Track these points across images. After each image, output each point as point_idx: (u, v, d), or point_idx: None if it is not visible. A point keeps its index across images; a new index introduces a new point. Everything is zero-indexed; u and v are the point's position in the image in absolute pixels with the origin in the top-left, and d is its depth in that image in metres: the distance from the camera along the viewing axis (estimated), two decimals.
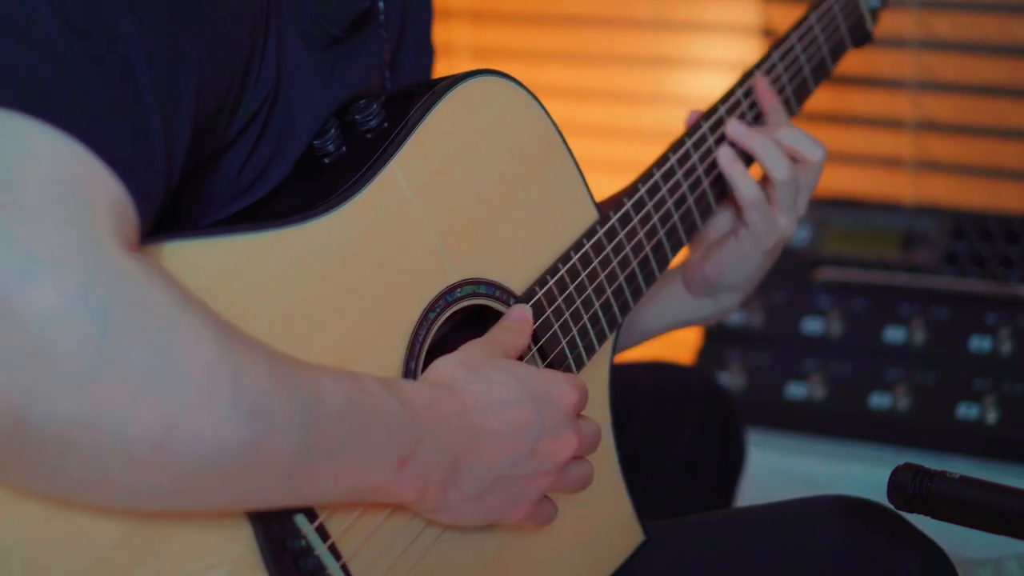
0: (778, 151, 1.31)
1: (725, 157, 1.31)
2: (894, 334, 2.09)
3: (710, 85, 2.47)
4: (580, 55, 2.49)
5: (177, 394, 0.81)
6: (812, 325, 2.14)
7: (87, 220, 0.80)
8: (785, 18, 2.31)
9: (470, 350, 1.06)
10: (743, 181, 1.31)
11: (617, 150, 2.39)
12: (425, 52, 1.30)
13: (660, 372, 1.71)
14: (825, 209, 2.24)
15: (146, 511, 0.87)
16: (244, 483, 0.87)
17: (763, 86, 1.35)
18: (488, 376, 1.04)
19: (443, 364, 1.04)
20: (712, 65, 2.42)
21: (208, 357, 0.82)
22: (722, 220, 1.38)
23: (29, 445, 0.78)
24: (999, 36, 2.19)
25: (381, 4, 1.13)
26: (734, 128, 1.32)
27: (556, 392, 1.07)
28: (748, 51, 2.37)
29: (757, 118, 1.37)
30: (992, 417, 1.97)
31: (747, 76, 1.37)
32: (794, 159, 1.33)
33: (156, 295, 0.81)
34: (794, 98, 1.41)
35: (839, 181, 2.34)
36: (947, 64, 2.23)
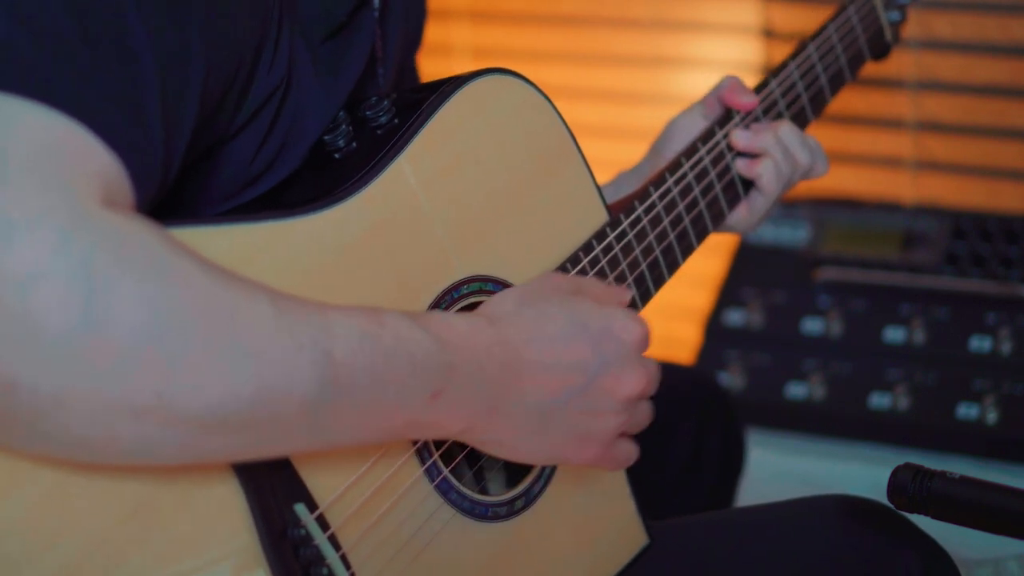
0: (781, 150, 1.34)
1: (743, 164, 1.34)
2: (894, 334, 2.09)
3: (710, 85, 2.47)
4: (580, 55, 2.49)
5: (171, 340, 0.79)
6: (812, 325, 2.14)
7: (68, 183, 0.79)
8: (785, 18, 2.31)
9: (526, 286, 1.07)
10: (768, 181, 1.34)
11: (617, 150, 2.38)
12: (407, 41, 1.30)
13: (660, 372, 1.71)
14: (825, 209, 2.24)
15: (161, 465, 0.86)
16: (261, 428, 0.85)
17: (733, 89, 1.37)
18: (541, 309, 1.04)
19: (498, 297, 1.05)
20: (712, 65, 2.42)
21: (200, 298, 0.81)
22: None
23: (26, 409, 0.77)
24: (999, 36, 2.19)
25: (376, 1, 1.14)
26: (740, 136, 1.34)
27: (617, 327, 1.06)
28: (748, 51, 2.37)
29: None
30: (992, 417, 1.97)
31: (763, 84, 1.37)
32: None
33: (139, 243, 0.80)
34: (810, 107, 1.42)
35: (839, 181, 2.34)
36: (947, 64, 2.23)
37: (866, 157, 2.34)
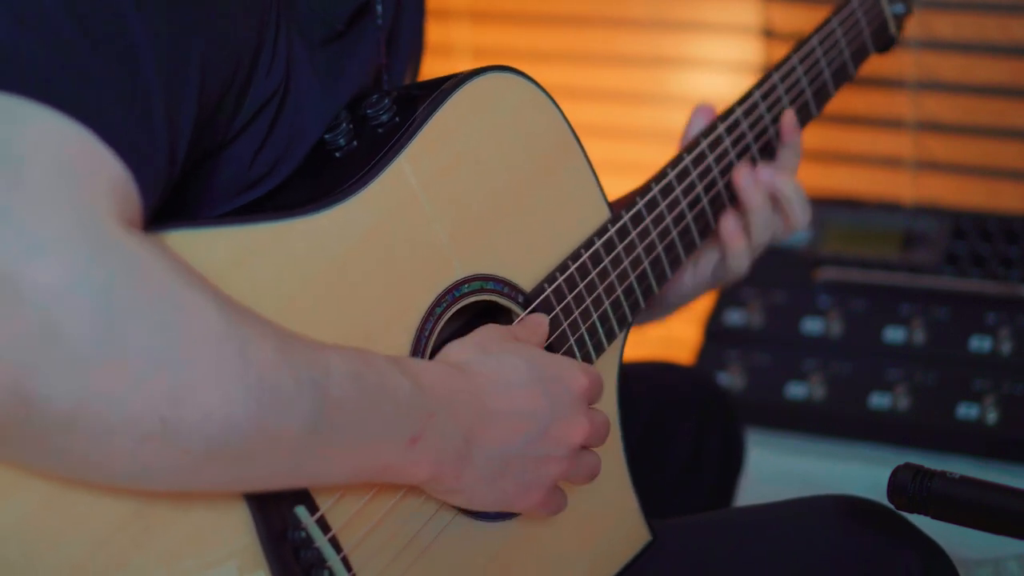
0: (769, 215, 1.35)
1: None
2: (894, 334, 2.09)
3: (710, 85, 2.47)
4: (580, 55, 2.49)
5: (182, 369, 0.81)
6: (812, 325, 2.14)
7: (90, 201, 0.80)
8: (785, 18, 2.31)
9: (483, 333, 1.08)
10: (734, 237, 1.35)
11: (617, 150, 2.38)
12: (414, 49, 1.30)
13: (660, 372, 1.71)
14: (825, 209, 2.24)
15: (152, 491, 0.87)
16: (254, 462, 0.86)
17: (790, 122, 1.37)
18: (500, 358, 1.05)
19: (456, 346, 1.05)
20: (712, 65, 2.42)
21: (212, 332, 0.83)
22: None
23: (35, 423, 0.79)
24: (999, 36, 2.19)
25: (379, 8, 1.13)
26: (743, 178, 1.34)
27: (567, 375, 1.08)
28: (748, 51, 2.37)
29: (766, 147, 1.37)
30: (992, 417, 1.96)
31: (766, 78, 1.37)
32: (779, 207, 1.37)
33: (158, 272, 0.82)
34: (814, 101, 1.41)
35: (839, 181, 2.34)
36: (947, 64, 2.23)
37: (866, 157, 2.33)
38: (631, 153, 2.33)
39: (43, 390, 0.78)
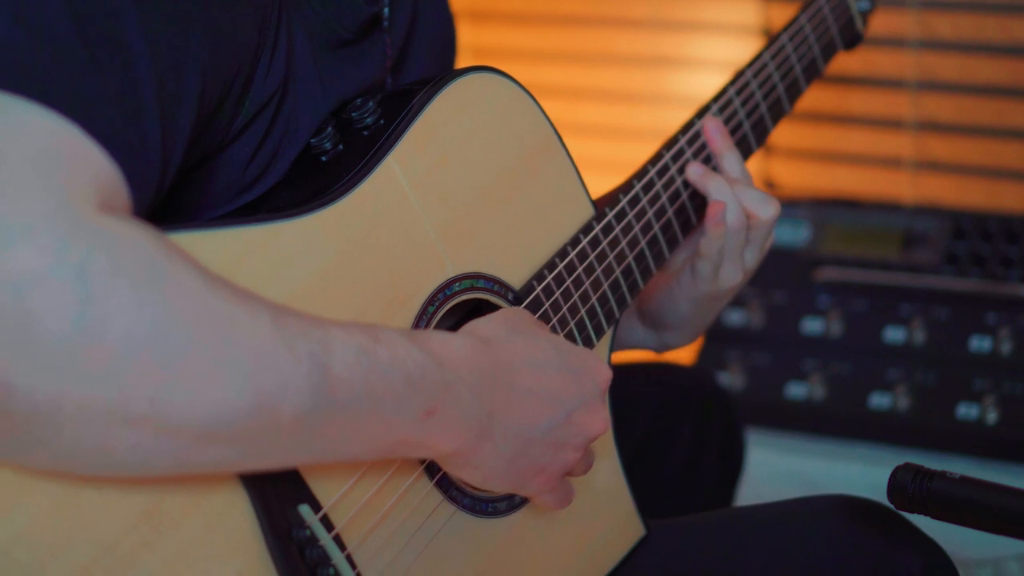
0: (733, 197, 1.28)
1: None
2: (894, 334, 2.09)
3: (710, 85, 2.46)
4: (580, 55, 2.49)
5: (167, 347, 0.79)
6: (812, 325, 2.14)
7: (66, 188, 0.79)
8: (785, 18, 2.31)
9: (509, 313, 1.07)
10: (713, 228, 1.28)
11: (616, 150, 2.38)
12: (448, 48, 1.30)
13: (660, 372, 1.71)
14: (825, 209, 2.24)
15: (156, 477, 0.86)
16: (255, 440, 0.84)
17: (712, 128, 1.32)
18: (529, 337, 1.04)
19: (483, 322, 1.04)
20: (712, 65, 2.42)
21: (199, 307, 0.81)
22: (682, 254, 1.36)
23: (20, 415, 0.77)
24: (999, 36, 2.19)
25: (386, 11, 1.13)
26: (693, 170, 1.30)
27: (593, 366, 1.07)
28: (748, 51, 2.37)
29: (741, 141, 1.37)
30: (992, 417, 1.97)
31: (738, 76, 1.38)
32: (746, 215, 1.29)
33: (139, 250, 0.80)
34: (786, 97, 1.42)
35: (839, 181, 2.34)
36: (947, 64, 2.23)
37: (866, 157, 2.34)
38: (631, 153, 2.32)
39: (23, 383, 0.76)
